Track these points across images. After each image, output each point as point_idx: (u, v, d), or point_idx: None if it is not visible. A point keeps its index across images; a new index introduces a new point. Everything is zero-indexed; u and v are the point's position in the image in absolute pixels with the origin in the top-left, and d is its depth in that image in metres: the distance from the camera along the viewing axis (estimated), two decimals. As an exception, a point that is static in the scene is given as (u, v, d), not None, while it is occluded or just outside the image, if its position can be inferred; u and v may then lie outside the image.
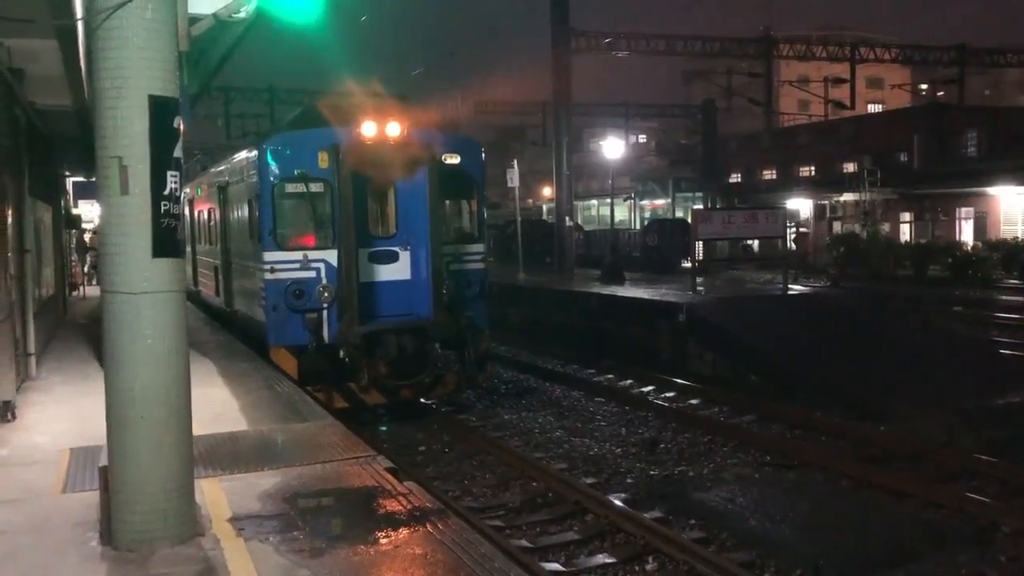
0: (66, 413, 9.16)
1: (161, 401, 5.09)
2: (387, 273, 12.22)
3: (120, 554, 5.10)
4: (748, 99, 46.47)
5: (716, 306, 17.32)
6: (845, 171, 42.44)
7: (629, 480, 9.97)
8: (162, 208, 5.05)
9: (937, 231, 36.63)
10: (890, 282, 28.81)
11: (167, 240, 5.08)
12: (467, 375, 12.56)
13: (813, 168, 50.40)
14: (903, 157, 42.53)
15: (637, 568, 7.54)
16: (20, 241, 11.12)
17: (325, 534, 5.45)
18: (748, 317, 16.52)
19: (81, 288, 25.26)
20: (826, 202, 41.70)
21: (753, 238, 24.55)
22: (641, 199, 46.84)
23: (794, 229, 37.25)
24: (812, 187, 43.23)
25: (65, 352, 13.54)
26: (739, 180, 55.07)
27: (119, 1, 4.86)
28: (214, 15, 5.58)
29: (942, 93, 56.33)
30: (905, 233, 38.84)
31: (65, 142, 16.20)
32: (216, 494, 6.21)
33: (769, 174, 54.32)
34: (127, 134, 4.97)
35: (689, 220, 25.84)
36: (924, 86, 64.59)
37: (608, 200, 35.23)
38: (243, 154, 13.97)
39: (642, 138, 73.52)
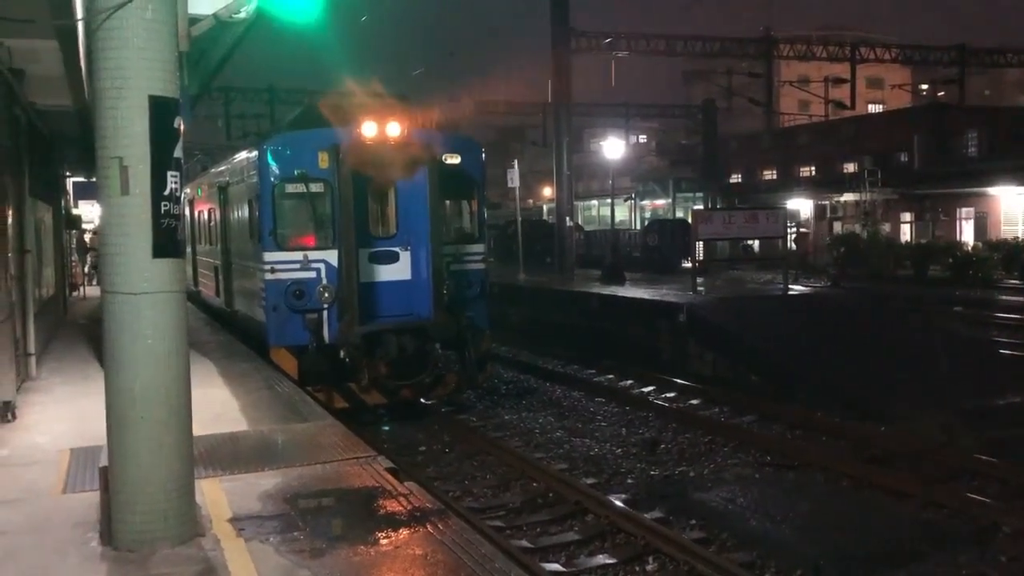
0: (66, 413, 9.16)
1: (161, 401, 5.10)
2: (387, 273, 12.22)
3: (120, 554, 5.10)
4: (748, 99, 46.40)
5: (716, 306, 17.31)
6: (845, 171, 42.53)
7: (629, 480, 9.97)
8: (162, 208, 5.05)
9: (937, 231, 36.63)
10: (890, 282, 28.80)
11: (167, 240, 5.09)
12: (467, 375, 12.56)
13: (813, 168, 50.43)
14: (903, 157, 42.57)
15: (637, 568, 7.54)
16: (20, 241, 11.12)
17: (325, 534, 5.45)
18: (748, 317, 16.52)
19: (81, 288, 25.26)
20: (826, 202, 41.72)
21: (753, 238, 24.54)
22: (641, 199, 46.94)
23: (794, 229, 37.27)
24: (812, 187, 43.26)
25: (65, 352, 13.54)
26: (739, 180, 55.08)
27: (119, 1, 4.86)
28: (214, 15, 5.57)
29: (942, 93, 56.25)
30: (905, 233, 38.85)
31: (65, 142, 16.22)
32: (216, 494, 6.21)
33: (769, 174, 54.34)
34: (127, 134, 4.97)
35: (689, 220, 25.86)
36: (924, 86, 64.49)
37: (608, 200, 35.29)
38: (243, 154, 13.98)
39: (642, 138, 73.48)
